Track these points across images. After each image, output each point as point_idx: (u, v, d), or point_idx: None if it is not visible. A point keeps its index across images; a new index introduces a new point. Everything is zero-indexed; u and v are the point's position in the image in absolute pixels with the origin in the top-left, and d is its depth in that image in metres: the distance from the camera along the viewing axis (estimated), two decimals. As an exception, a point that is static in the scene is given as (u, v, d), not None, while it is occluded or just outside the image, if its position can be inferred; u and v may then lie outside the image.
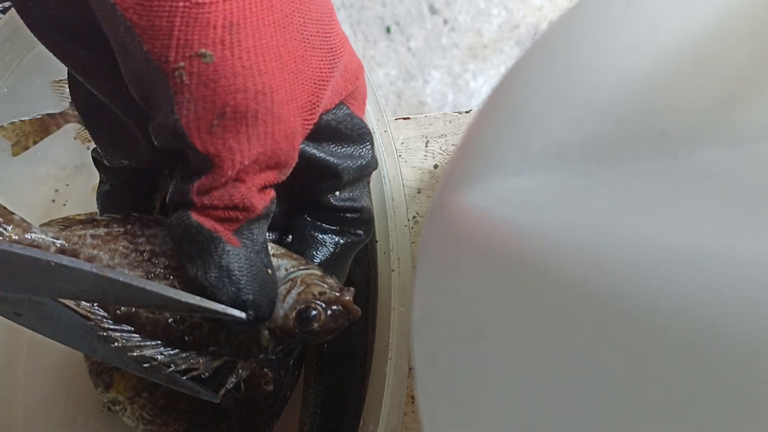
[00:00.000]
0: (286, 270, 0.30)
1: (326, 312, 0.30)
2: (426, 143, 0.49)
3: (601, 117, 0.21)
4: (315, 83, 0.28)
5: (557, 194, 0.21)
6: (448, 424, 0.21)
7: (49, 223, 0.31)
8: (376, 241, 0.40)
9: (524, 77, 0.24)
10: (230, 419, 0.42)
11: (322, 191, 0.32)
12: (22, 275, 0.26)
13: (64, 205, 0.49)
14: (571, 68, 0.22)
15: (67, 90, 0.44)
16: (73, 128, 0.48)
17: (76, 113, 0.47)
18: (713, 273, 0.15)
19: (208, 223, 0.27)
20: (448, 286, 0.23)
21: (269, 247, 0.30)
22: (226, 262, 0.27)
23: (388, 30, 1.31)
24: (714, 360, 0.14)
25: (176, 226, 0.28)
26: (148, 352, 0.29)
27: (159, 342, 0.29)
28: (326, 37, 0.28)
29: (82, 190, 0.50)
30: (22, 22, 0.29)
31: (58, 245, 0.30)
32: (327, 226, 0.33)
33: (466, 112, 0.50)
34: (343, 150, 0.31)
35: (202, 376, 0.31)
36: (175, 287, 0.29)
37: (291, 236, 0.33)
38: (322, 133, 0.30)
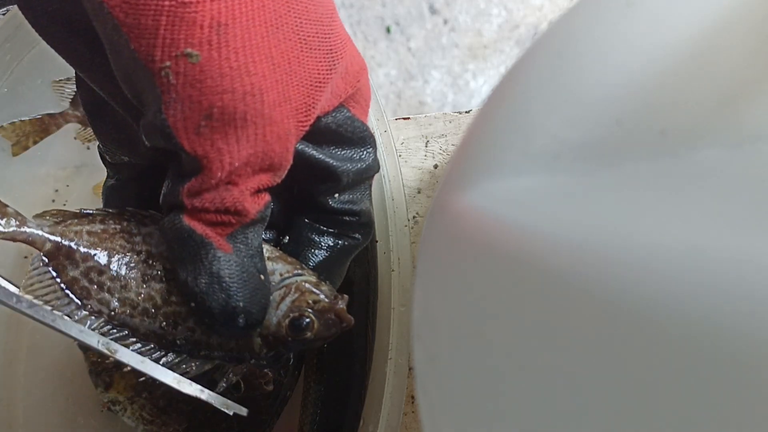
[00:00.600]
0: (281, 275, 0.30)
1: (319, 321, 0.30)
2: (426, 143, 0.49)
3: (601, 117, 0.21)
4: (311, 85, 0.27)
5: (557, 194, 0.21)
6: (448, 424, 0.21)
7: (42, 215, 0.30)
8: (376, 241, 0.40)
9: (524, 77, 0.24)
10: (230, 419, 0.42)
11: (320, 193, 0.32)
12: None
13: (64, 205, 0.49)
14: (571, 68, 0.22)
15: (67, 90, 0.44)
16: (73, 128, 0.48)
17: (76, 113, 0.47)
18: (713, 273, 0.15)
19: (199, 228, 0.27)
20: (448, 286, 0.23)
21: (264, 250, 0.30)
22: (216, 269, 0.27)
23: (388, 30, 1.31)
24: (716, 360, 0.14)
25: (168, 230, 0.27)
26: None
27: (152, 346, 0.29)
28: (325, 37, 0.28)
29: (82, 190, 0.50)
30: (21, 22, 0.29)
31: (54, 241, 0.29)
32: (325, 228, 0.33)
33: (466, 112, 0.50)
34: (343, 153, 0.31)
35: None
36: (170, 292, 0.29)
37: (288, 237, 0.33)
38: (322, 135, 0.30)
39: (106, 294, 0.29)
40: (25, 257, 0.31)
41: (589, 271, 0.17)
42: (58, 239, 0.29)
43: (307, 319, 0.29)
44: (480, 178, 0.23)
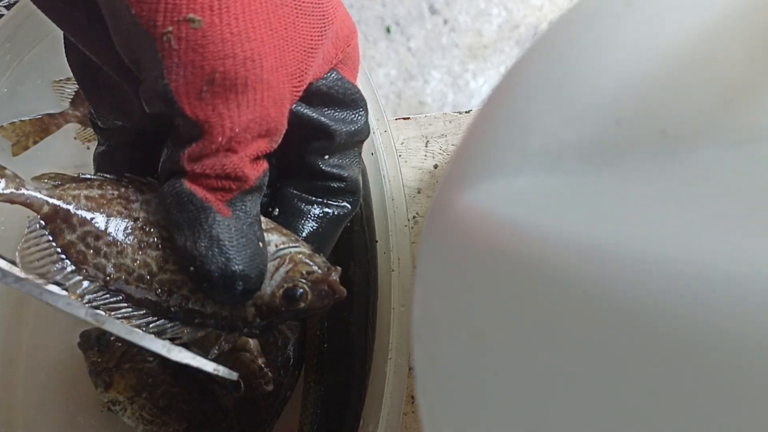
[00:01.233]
0: (276, 246, 0.30)
1: (313, 292, 0.30)
2: (426, 143, 0.49)
3: (601, 117, 0.21)
4: (304, 50, 0.27)
5: (557, 194, 0.21)
6: (448, 424, 0.21)
7: (40, 177, 0.30)
8: (376, 241, 0.40)
9: (524, 77, 0.24)
10: (230, 419, 0.42)
11: (312, 152, 0.32)
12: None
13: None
14: (571, 68, 0.22)
15: (67, 90, 0.44)
16: (73, 128, 0.48)
17: (76, 113, 0.47)
18: (713, 273, 0.15)
19: (200, 192, 0.27)
20: (448, 286, 0.23)
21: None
22: (216, 232, 0.27)
23: (388, 30, 1.31)
24: (715, 361, 0.14)
25: (168, 194, 0.28)
26: (135, 322, 0.29)
27: (145, 312, 0.29)
28: (318, 3, 0.28)
29: (82, 190, 0.50)
30: (22, 22, 0.29)
31: (52, 204, 0.29)
32: (313, 198, 0.33)
33: (466, 112, 0.50)
34: (335, 114, 0.31)
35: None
36: (166, 260, 0.29)
37: (277, 209, 0.33)
38: (314, 97, 0.30)
39: (102, 259, 0.29)
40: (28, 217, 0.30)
41: (590, 271, 0.17)
42: (56, 202, 0.29)
43: (301, 290, 0.30)
44: (480, 177, 0.23)
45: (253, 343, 0.40)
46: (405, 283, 0.38)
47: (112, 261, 0.29)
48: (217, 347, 0.31)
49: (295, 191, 0.33)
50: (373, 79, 0.42)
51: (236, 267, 0.27)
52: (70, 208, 0.29)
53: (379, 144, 0.41)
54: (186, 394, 0.42)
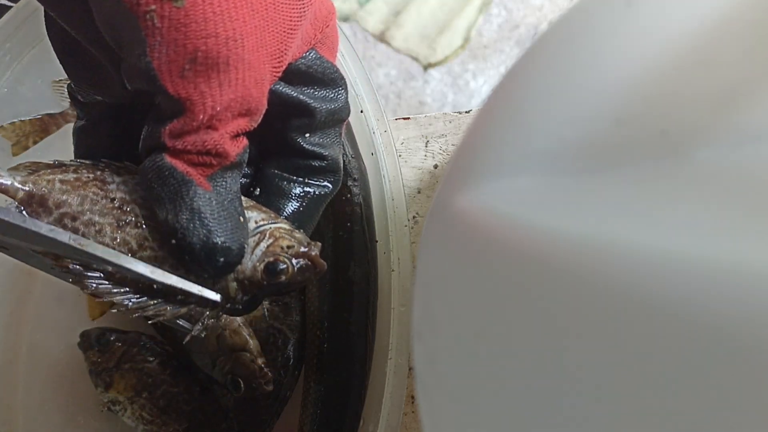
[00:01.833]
0: (256, 222, 0.31)
1: (294, 266, 0.30)
2: (426, 143, 0.49)
3: (601, 117, 0.21)
4: (284, 31, 0.28)
5: (557, 194, 0.21)
6: (448, 424, 0.21)
7: (17, 167, 0.31)
8: (376, 241, 0.40)
9: (524, 77, 0.24)
10: (230, 419, 0.42)
11: (293, 129, 0.32)
12: None
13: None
14: (571, 68, 0.22)
15: (68, 90, 0.44)
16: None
17: (76, 113, 0.47)
18: (713, 273, 0.15)
19: (181, 167, 0.27)
20: (448, 286, 0.23)
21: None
22: (197, 205, 0.27)
23: (388, 30, 1.31)
24: (716, 359, 0.14)
25: (149, 169, 0.28)
26: (116, 299, 0.29)
27: (128, 289, 0.29)
28: None
29: (82, 190, 0.50)
30: (22, 22, 0.29)
31: (27, 190, 0.29)
32: (294, 177, 0.33)
33: (466, 112, 0.50)
34: (316, 92, 0.32)
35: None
36: (146, 237, 0.29)
37: (259, 189, 0.34)
38: (294, 77, 0.31)
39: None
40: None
41: (590, 271, 0.17)
42: (31, 187, 0.29)
43: (283, 264, 0.30)
44: (480, 177, 0.23)
45: (253, 343, 0.39)
46: (405, 283, 0.38)
47: (91, 240, 0.29)
48: (200, 322, 0.31)
49: (276, 171, 0.33)
50: (373, 79, 0.42)
51: (217, 239, 0.28)
52: (45, 191, 0.29)
53: (379, 144, 0.41)
54: (186, 394, 0.42)
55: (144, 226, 0.29)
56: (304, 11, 0.29)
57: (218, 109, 0.26)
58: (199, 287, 0.29)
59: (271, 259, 0.30)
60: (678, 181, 0.19)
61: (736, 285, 0.14)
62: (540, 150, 0.22)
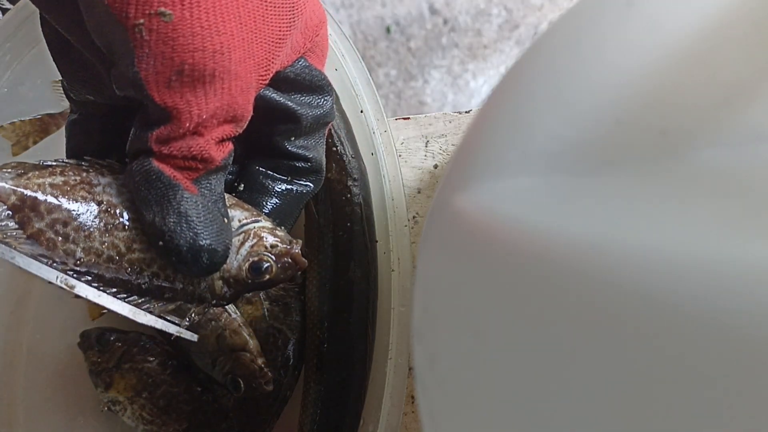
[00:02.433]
0: (239, 221, 0.32)
1: (277, 264, 0.32)
2: (426, 143, 0.49)
3: (601, 117, 0.21)
4: (272, 41, 0.28)
5: (557, 194, 0.21)
6: (448, 424, 0.21)
7: (2, 168, 0.31)
8: (376, 241, 0.40)
9: (524, 77, 0.24)
10: (230, 419, 0.42)
11: (279, 134, 0.33)
12: None
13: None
14: (571, 68, 0.22)
15: (62, 87, 0.44)
16: (73, 128, 0.48)
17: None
18: (712, 273, 0.15)
19: (167, 170, 0.28)
20: (448, 286, 0.23)
21: None
22: (184, 208, 0.28)
23: (388, 30, 1.31)
24: (716, 359, 0.14)
25: (136, 172, 0.28)
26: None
27: (116, 290, 0.30)
28: None
29: (82, 190, 0.50)
30: (22, 22, 0.29)
31: (18, 193, 0.29)
32: (278, 176, 0.34)
33: (466, 112, 0.50)
34: (302, 98, 0.33)
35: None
36: (133, 240, 0.30)
37: (242, 185, 0.35)
38: (282, 84, 0.31)
39: (71, 245, 0.30)
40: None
41: (590, 271, 0.17)
42: (23, 191, 0.29)
43: (267, 263, 0.32)
44: (480, 178, 0.23)
45: (253, 343, 0.40)
46: (405, 283, 0.38)
47: (81, 245, 0.30)
48: (187, 318, 0.32)
49: (260, 168, 0.34)
50: (373, 79, 0.42)
51: (204, 242, 0.28)
52: (37, 196, 0.30)
53: (379, 144, 0.41)
54: (186, 394, 0.42)
55: (132, 229, 0.30)
56: (294, 22, 0.29)
57: (204, 117, 0.27)
58: (177, 328, 0.31)
59: (256, 258, 0.31)
60: (678, 181, 0.19)
61: (737, 285, 0.14)
62: (540, 150, 0.22)
